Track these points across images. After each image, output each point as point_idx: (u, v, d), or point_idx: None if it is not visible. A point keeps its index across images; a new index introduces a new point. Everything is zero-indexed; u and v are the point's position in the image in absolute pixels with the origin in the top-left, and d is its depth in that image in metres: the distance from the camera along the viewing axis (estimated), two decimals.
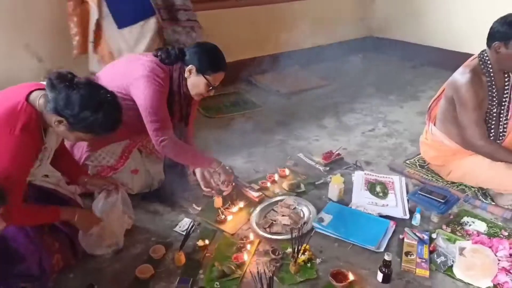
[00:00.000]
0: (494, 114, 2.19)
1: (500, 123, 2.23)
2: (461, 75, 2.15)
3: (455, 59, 2.95)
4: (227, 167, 2.22)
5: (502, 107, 2.21)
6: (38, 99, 1.53)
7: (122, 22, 2.39)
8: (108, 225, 1.81)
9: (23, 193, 1.59)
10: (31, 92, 1.55)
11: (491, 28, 2.09)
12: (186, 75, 2.04)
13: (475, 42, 2.63)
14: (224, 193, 2.22)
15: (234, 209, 2.16)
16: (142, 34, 2.47)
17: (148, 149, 2.28)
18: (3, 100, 1.54)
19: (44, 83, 1.59)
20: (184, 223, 2.05)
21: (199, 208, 2.17)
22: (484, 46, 2.15)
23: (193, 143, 2.37)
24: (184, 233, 1.95)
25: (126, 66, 2.07)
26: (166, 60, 2.03)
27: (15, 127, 1.45)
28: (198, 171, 2.20)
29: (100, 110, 1.51)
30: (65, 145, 1.96)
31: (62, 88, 1.48)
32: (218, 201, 2.17)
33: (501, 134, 2.25)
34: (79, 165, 2.04)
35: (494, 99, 2.17)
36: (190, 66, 2.01)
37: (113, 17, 2.38)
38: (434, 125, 2.39)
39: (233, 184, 2.25)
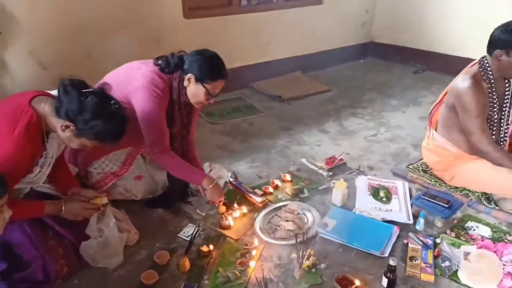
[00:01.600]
0: (495, 120, 2.20)
1: (501, 129, 2.23)
2: (462, 82, 2.16)
3: (456, 64, 2.97)
4: (220, 185, 2.15)
5: (503, 113, 2.21)
6: (42, 103, 1.57)
7: None
8: (104, 239, 1.78)
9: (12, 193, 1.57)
10: (34, 96, 1.58)
11: (492, 36, 2.09)
12: (185, 83, 2.02)
13: (475, 47, 2.66)
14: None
15: (237, 214, 2.15)
16: None
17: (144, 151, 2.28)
18: (7, 104, 1.58)
19: (51, 91, 1.62)
20: (188, 228, 2.05)
21: (203, 214, 2.18)
22: (485, 51, 2.16)
23: (196, 152, 2.36)
24: (188, 239, 1.96)
25: (127, 74, 2.07)
26: (165, 69, 2.02)
27: (15, 128, 1.49)
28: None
29: (111, 120, 1.55)
30: (66, 153, 1.97)
31: (76, 94, 1.52)
32: (221, 207, 2.17)
33: (502, 140, 2.25)
34: (74, 178, 2.01)
35: (495, 105, 2.17)
36: (189, 75, 1.99)
37: None
38: (436, 130, 2.40)
39: (220, 203, 2.16)
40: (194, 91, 2.02)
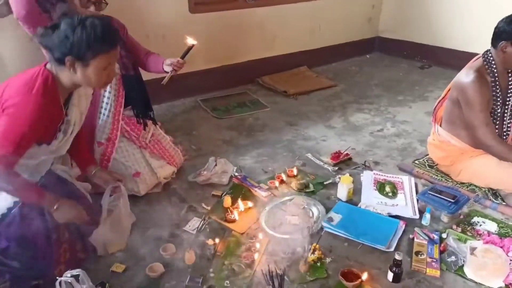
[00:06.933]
0: (499, 114, 2.18)
1: (504, 123, 2.22)
2: (465, 76, 2.14)
3: (463, 59, 2.93)
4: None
5: (506, 107, 2.19)
6: (52, 65, 1.60)
7: None
8: (112, 221, 1.82)
9: (19, 156, 1.52)
10: (48, 62, 1.61)
11: (497, 28, 2.08)
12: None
13: (482, 42, 2.62)
14: None
15: (242, 208, 2.15)
16: None
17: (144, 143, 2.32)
18: (24, 74, 1.60)
19: None
20: (194, 222, 2.06)
21: (209, 207, 2.18)
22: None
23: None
24: (193, 232, 1.97)
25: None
26: None
27: (33, 88, 1.52)
28: None
29: (84, 25, 1.51)
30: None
31: (50, 32, 1.53)
32: (227, 200, 2.18)
33: (505, 134, 2.24)
34: (92, 154, 2.07)
35: (499, 99, 2.15)
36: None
37: None
38: (440, 125, 2.38)
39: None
40: None
